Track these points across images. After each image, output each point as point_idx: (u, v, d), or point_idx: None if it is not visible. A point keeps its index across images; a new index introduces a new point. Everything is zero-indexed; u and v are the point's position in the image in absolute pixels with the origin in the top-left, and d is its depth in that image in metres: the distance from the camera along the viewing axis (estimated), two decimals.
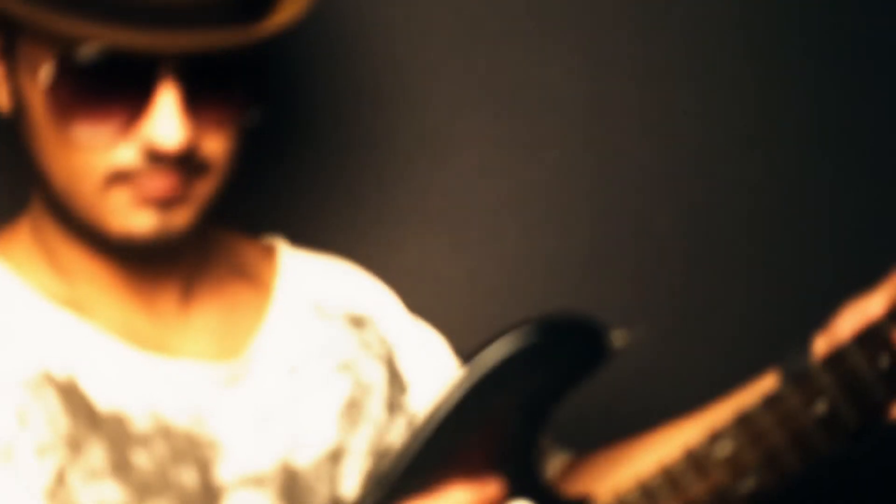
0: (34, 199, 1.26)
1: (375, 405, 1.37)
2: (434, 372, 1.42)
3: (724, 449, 1.18)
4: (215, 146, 1.16)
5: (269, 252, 1.41)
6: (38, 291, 1.22)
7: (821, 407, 1.17)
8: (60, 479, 1.14)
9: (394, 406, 1.39)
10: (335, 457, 1.32)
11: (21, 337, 1.17)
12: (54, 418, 1.15)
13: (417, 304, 1.48)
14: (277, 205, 1.63)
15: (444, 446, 1.20)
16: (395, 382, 1.40)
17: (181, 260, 1.28)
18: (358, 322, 1.41)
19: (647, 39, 1.75)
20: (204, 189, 1.18)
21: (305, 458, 1.30)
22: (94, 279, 1.24)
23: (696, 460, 1.18)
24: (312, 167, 1.66)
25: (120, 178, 1.14)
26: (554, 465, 1.42)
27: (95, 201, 1.15)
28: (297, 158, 1.65)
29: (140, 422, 1.20)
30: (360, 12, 1.63)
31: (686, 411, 1.35)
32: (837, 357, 1.18)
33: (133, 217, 1.15)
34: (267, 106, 1.19)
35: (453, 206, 1.70)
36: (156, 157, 1.12)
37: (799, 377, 1.18)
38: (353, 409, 1.35)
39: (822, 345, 1.22)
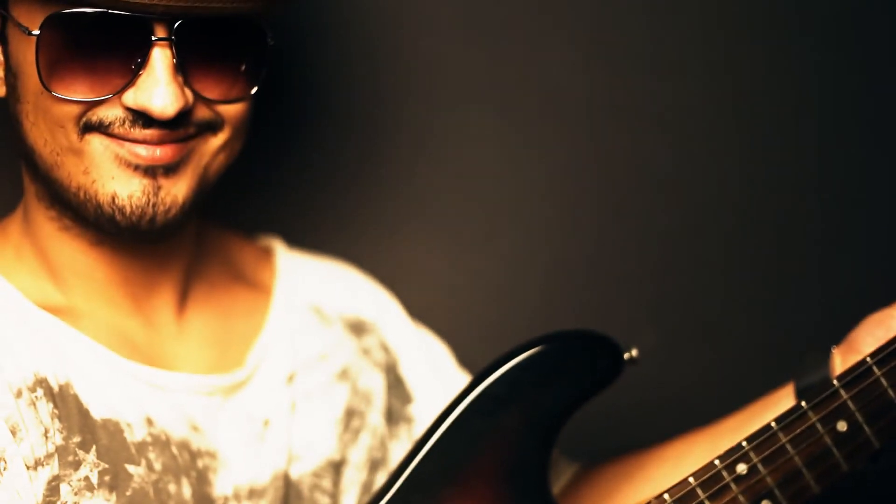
0: (26, 192, 1.23)
1: (374, 414, 1.36)
2: (438, 381, 1.40)
3: (740, 468, 1.14)
4: (212, 113, 1.16)
5: (267, 254, 1.39)
6: (30, 298, 1.19)
7: (840, 426, 1.14)
8: (53, 492, 1.11)
9: (394, 416, 1.37)
10: (334, 468, 1.31)
11: (13, 346, 1.15)
12: (48, 430, 1.13)
13: (416, 304, 1.46)
14: (274, 204, 1.61)
15: (448, 458, 1.18)
16: (397, 391, 1.39)
17: (176, 262, 1.26)
18: (358, 328, 1.39)
19: (654, 34, 1.72)
20: (204, 156, 1.16)
21: (303, 470, 1.28)
22: (88, 282, 1.21)
23: (710, 480, 1.15)
24: (311, 166, 1.63)
25: (96, 126, 1.12)
26: (561, 477, 1.40)
27: (77, 158, 1.13)
28: (295, 157, 1.63)
29: (135, 433, 1.18)
30: (361, 10, 1.61)
31: (693, 419, 1.32)
32: (859, 374, 1.14)
33: (120, 182, 1.13)
34: (268, 74, 1.18)
35: (453, 206, 1.68)
36: (145, 119, 1.12)
37: (817, 394, 1.15)
38: (351, 418, 1.33)
39: (840, 359, 1.19)
